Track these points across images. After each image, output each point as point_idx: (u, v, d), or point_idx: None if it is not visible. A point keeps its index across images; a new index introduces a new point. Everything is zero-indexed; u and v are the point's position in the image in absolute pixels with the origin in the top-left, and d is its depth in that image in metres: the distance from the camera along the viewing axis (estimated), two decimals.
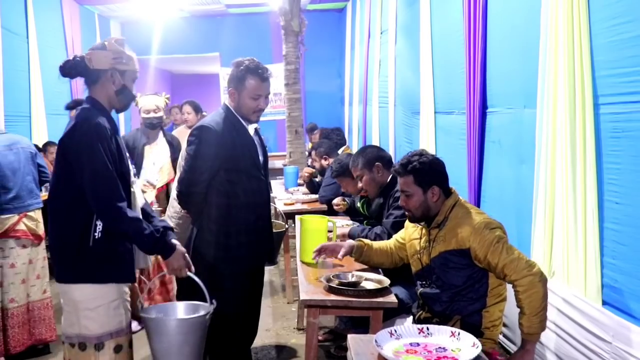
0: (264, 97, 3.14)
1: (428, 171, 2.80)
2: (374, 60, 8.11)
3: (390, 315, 3.07)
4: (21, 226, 4.05)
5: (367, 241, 3.10)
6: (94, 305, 2.48)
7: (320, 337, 4.12)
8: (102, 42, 2.66)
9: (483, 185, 4.14)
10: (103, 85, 2.60)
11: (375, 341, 2.00)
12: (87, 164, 2.43)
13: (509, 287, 3.64)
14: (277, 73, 8.56)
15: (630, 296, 2.50)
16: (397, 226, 3.28)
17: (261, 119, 3.32)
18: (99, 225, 2.48)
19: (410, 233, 3.01)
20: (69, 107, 2.89)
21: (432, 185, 2.77)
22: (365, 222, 4.15)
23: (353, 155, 3.99)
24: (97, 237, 2.46)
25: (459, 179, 4.44)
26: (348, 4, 11.13)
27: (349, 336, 2.17)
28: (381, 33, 7.68)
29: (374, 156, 3.67)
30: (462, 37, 4.29)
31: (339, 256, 2.97)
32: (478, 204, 4.17)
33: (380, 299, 2.60)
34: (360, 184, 3.74)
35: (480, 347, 1.97)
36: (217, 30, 11.42)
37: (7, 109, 6.97)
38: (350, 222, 4.22)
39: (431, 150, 5.31)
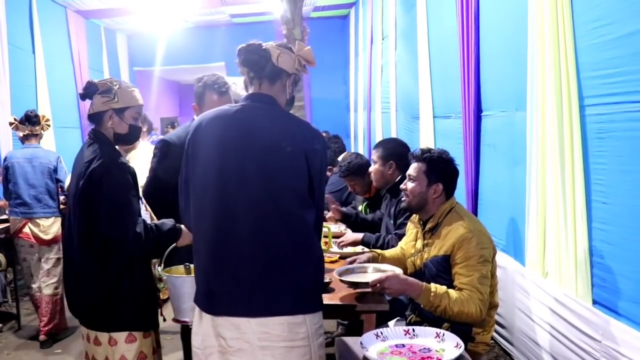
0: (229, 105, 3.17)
1: (441, 167, 2.80)
2: (376, 66, 8.17)
3: (386, 318, 3.10)
4: (26, 229, 4.67)
5: (379, 251, 3.09)
6: None
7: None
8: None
9: (480, 188, 4.17)
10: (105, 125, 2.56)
11: (361, 343, 2.03)
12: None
13: (501, 293, 3.69)
14: None
15: (619, 295, 2.52)
16: None
17: None
18: None
19: (409, 236, 3.03)
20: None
21: (439, 182, 2.78)
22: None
23: (380, 140, 4.02)
24: None
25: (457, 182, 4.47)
26: (351, 10, 11.20)
27: (336, 339, 2.20)
28: (382, 39, 7.74)
29: (393, 153, 3.65)
30: (456, 43, 4.33)
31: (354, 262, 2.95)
32: (475, 207, 4.21)
33: (372, 303, 2.62)
34: (371, 168, 3.77)
35: (462, 348, 1.99)
36: (222, 40, 11.49)
37: None
38: (344, 227, 4.22)
39: None
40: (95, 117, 2.54)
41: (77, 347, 4.55)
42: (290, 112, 2.29)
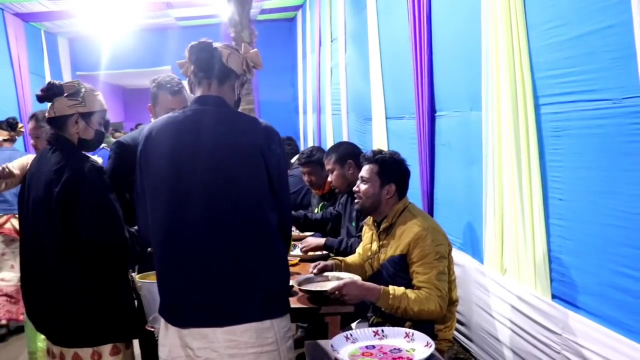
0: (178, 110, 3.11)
1: (393, 168, 2.83)
2: (325, 69, 8.19)
3: (349, 320, 3.10)
4: (8, 225, 4.77)
5: (341, 258, 3.08)
6: None
7: None
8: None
9: (435, 187, 4.22)
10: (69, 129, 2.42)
11: (332, 346, 2.01)
12: None
13: (460, 291, 3.73)
14: None
15: (577, 289, 2.58)
16: None
17: None
18: None
19: (365, 239, 3.04)
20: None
21: (391, 182, 2.80)
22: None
23: (329, 148, 3.98)
24: None
25: (411, 182, 4.48)
26: (298, 13, 11.21)
27: (306, 343, 2.18)
28: (331, 41, 7.76)
29: (348, 153, 3.65)
30: (408, 44, 4.38)
31: (315, 270, 2.94)
32: (431, 207, 4.25)
33: (337, 305, 2.61)
34: (330, 177, 3.73)
35: (433, 346, 2.00)
36: (168, 43, 11.27)
37: None
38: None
39: None
40: (57, 121, 2.38)
41: None
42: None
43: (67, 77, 11.56)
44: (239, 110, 2.26)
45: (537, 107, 2.77)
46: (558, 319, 2.64)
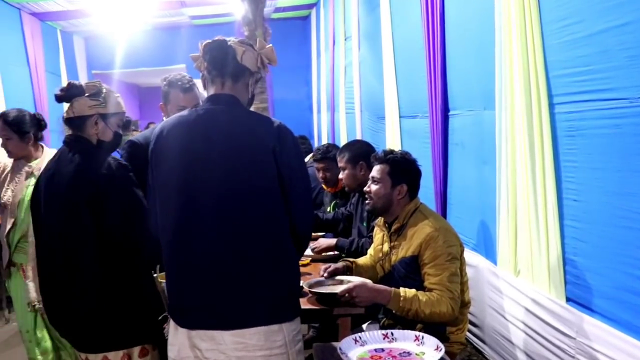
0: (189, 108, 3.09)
1: (405, 168, 2.79)
2: (339, 67, 8.15)
3: (360, 321, 3.07)
4: None
5: (352, 260, 3.05)
6: None
7: None
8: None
9: (448, 187, 4.17)
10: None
11: (340, 349, 1.99)
12: None
13: (473, 292, 3.68)
14: None
15: (591, 292, 2.53)
16: None
17: None
18: None
19: (376, 240, 3.00)
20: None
21: (403, 182, 2.76)
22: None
23: (343, 145, 3.95)
24: None
25: (425, 182, 4.43)
26: (312, 11, 11.17)
27: (314, 345, 2.16)
28: (345, 39, 7.72)
29: (361, 153, 3.59)
30: (422, 42, 4.33)
31: (325, 274, 2.88)
32: (444, 207, 4.21)
33: (348, 307, 2.58)
34: (341, 175, 3.70)
35: (443, 350, 1.97)
36: (183, 42, 11.29)
37: None
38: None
39: None
40: (76, 121, 2.35)
41: None
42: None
43: (82, 76, 11.64)
44: (252, 108, 2.22)
45: (551, 106, 2.72)
46: (572, 323, 2.59)
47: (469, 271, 3.70)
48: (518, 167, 3.00)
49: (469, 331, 3.84)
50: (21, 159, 3.24)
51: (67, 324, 2.34)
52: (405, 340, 2.10)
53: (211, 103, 2.04)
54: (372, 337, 2.12)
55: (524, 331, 3.02)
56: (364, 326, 3.09)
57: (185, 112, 2.07)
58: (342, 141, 7.99)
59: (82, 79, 11.50)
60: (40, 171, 2.98)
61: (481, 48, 3.45)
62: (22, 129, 3.18)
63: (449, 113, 4.07)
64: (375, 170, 2.83)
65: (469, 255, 3.77)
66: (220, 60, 2.03)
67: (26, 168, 3.23)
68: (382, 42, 5.61)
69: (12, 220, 3.18)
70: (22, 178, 3.21)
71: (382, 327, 2.82)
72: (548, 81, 2.73)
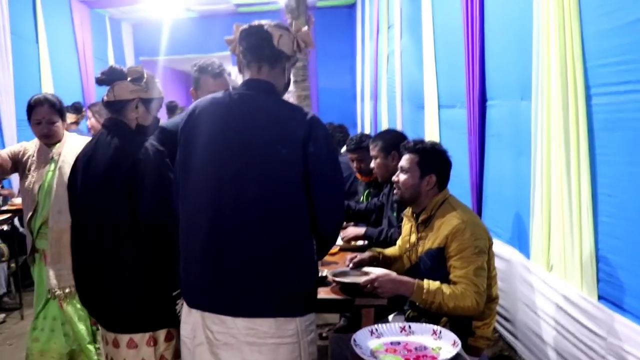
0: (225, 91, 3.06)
1: (434, 158, 2.72)
2: (382, 56, 8.07)
3: (386, 312, 3.04)
4: None
5: (379, 250, 3.01)
6: None
7: (324, 334, 4.10)
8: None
9: (484, 179, 4.08)
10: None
11: (354, 340, 1.96)
12: None
13: (506, 286, 3.61)
14: None
15: (624, 291, 2.44)
16: None
17: None
18: None
19: (404, 231, 2.95)
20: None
21: (432, 173, 2.69)
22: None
23: (376, 134, 3.90)
24: None
25: (461, 173, 4.38)
26: None
27: (330, 336, 2.14)
28: (388, 28, 7.63)
29: (393, 143, 3.51)
30: (461, 31, 4.23)
31: (351, 265, 2.83)
32: (480, 199, 4.12)
33: (370, 297, 2.55)
34: (372, 164, 3.66)
35: (459, 346, 1.92)
36: (228, 29, 11.30)
37: (18, 113, 7.01)
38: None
39: None
40: (116, 105, 2.36)
41: None
42: (293, 99, 2.16)
43: (130, 62, 11.84)
44: (295, 95, 2.19)
45: (588, 97, 2.62)
46: (603, 322, 2.50)
47: (501, 264, 3.64)
48: (553, 160, 2.90)
49: (502, 326, 3.77)
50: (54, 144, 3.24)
51: (96, 303, 2.37)
52: (422, 334, 2.05)
53: (246, 88, 2.01)
54: (389, 329, 2.08)
55: (555, 328, 2.93)
56: (390, 317, 3.05)
57: (219, 94, 2.05)
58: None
59: (130, 65, 11.71)
60: (60, 156, 3.01)
61: (519, 36, 3.35)
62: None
63: (487, 103, 3.98)
64: (404, 160, 2.77)
65: (503, 248, 3.69)
66: (257, 46, 2.00)
67: (49, 153, 3.20)
68: (422, 31, 5.53)
69: (34, 206, 3.15)
70: (43, 162, 3.18)
71: (407, 319, 2.78)
72: (585, 71, 2.62)
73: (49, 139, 3.19)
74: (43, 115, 3.12)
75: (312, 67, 11.98)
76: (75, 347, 3.21)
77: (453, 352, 1.88)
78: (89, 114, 5.19)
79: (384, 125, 7.92)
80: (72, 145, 3.17)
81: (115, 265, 2.26)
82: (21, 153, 3.21)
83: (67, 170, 2.97)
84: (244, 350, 1.89)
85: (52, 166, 3.12)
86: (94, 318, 2.55)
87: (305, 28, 2.07)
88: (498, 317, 3.81)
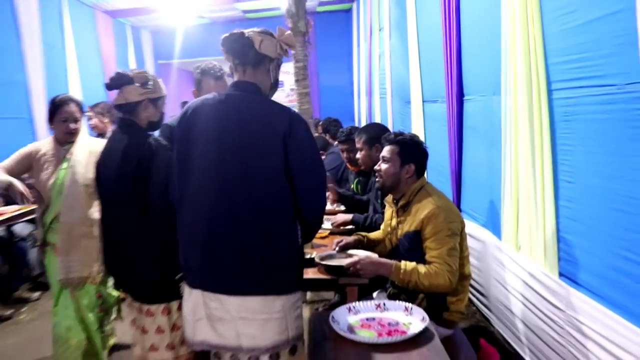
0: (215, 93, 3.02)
1: (413, 149, 2.68)
2: (375, 56, 7.99)
3: (370, 290, 3.01)
4: None
5: (364, 234, 2.99)
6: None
7: (320, 309, 4.09)
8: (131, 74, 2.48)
9: (463, 167, 4.03)
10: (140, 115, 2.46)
11: (332, 317, 1.94)
12: None
13: (480, 265, 3.58)
14: (290, 70, 8.48)
15: (581, 269, 2.40)
16: None
17: None
18: None
19: (386, 216, 2.92)
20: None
21: (411, 162, 2.66)
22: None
23: (361, 128, 3.85)
24: None
25: (443, 162, 4.34)
26: (354, 4, 10.96)
27: (314, 313, 2.11)
28: (380, 30, 7.55)
29: (376, 136, 3.45)
30: (440, 32, 4.17)
31: (337, 248, 2.81)
32: (459, 186, 4.08)
33: (352, 277, 2.52)
34: (358, 155, 3.62)
35: (427, 321, 1.89)
36: None
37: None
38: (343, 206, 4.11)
39: (420, 137, 5.21)
40: (127, 107, 2.41)
41: None
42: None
43: (149, 66, 11.79)
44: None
45: (549, 92, 2.56)
46: (563, 297, 2.47)
47: (477, 245, 3.61)
48: (520, 150, 2.85)
49: (479, 300, 3.73)
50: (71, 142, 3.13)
51: (120, 277, 2.45)
52: (395, 310, 2.03)
53: (233, 89, 2.02)
54: (366, 306, 2.06)
55: (522, 302, 2.90)
56: (374, 294, 3.02)
57: (209, 96, 2.05)
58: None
59: (149, 68, 11.69)
60: (72, 155, 2.97)
61: (490, 37, 3.28)
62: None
63: (464, 98, 3.92)
64: (386, 151, 2.74)
65: (478, 230, 3.65)
66: (239, 50, 2.01)
67: (62, 152, 3.07)
68: (408, 33, 5.45)
69: (47, 202, 3.03)
70: (56, 161, 3.05)
71: (389, 296, 2.75)
72: (547, 68, 2.57)
73: (73, 137, 3.08)
74: (70, 113, 3.03)
75: (313, 67, 11.92)
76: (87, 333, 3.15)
77: (421, 326, 1.85)
78: (91, 114, 5.05)
79: (377, 119, 7.86)
80: (83, 144, 3.10)
81: (132, 246, 2.30)
82: (33, 152, 3.07)
83: (78, 169, 2.97)
84: (237, 325, 1.92)
85: (65, 164, 3.03)
86: (120, 288, 2.55)
87: (289, 32, 2.07)
88: (474, 292, 3.78)
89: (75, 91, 7.94)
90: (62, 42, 7.89)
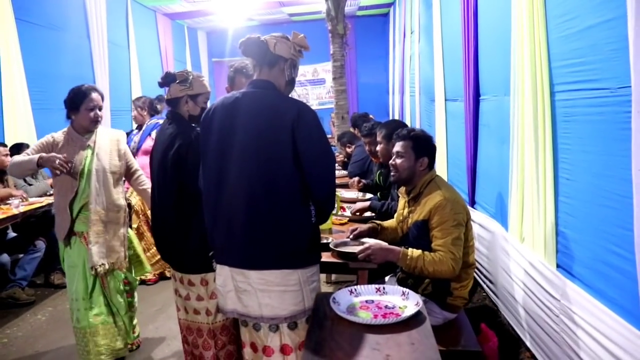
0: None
1: (425, 143, 2.65)
2: (407, 57, 7.89)
3: (382, 274, 3.00)
4: None
5: (379, 222, 2.97)
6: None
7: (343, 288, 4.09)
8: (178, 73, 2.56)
9: (477, 162, 3.96)
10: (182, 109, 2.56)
11: (334, 298, 1.94)
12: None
13: (489, 253, 3.51)
14: (330, 69, 8.43)
15: (575, 261, 2.33)
16: None
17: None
18: None
19: (400, 205, 2.90)
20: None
21: (424, 156, 2.63)
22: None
23: (381, 123, 3.83)
24: None
25: (459, 157, 4.28)
26: (391, 9, 10.81)
27: (318, 293, 2.12)
28: (411, 33, 7.44)
29: (394, 131, 3.51)
30: (460, 36, 4.09)
31: (351, 236, 2.80)
32: (474, 179, 4.01)
33: (363, 262, 2.52)
34: (377, 148, 3.59)
35: (421, 305, 1.87)
36: None
37: (112, 105, 7.24)
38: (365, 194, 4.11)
39: (443, 133, 5.13)
40: (172, 102, 2.55)
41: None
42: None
43: (204, 63, 11.95)
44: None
45: (552, 94, 2.49)
46: (559, 287, 2.41)
47: (487, 235, 3.55)
48: (525, 147, 2.78)
49: (487, 286, 3.68)
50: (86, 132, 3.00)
51: (166, 250, 2.57)
52: (393, 294, 2.02)
53: (251, 87, 2.06)
54: (366, 290, 2.06)
55: (523, 290, 2.84)
56: (386, 278, 3.02)
57: (230, 94, 2.10)
58: (407, 120, 7.78)
59: (204, 66, 11.85)
60: (95, 143, 2.95)
61: (502, 40, 3.19)
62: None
63: (480, 98, 3.84)
64: (399, 146, 2.70)
65: (488, 221, 3.59)
66: (255, 52, 2.05)
67: (84, 140, 2.95)
68: (433, 36, 5.36)
69: (75, 189, 2.88)
70: (78, 149, 2.91)
71: (398, 280, 2.74)
72: (550, 71, 2.49)
73: (97, 124, 2.97)
74: (96, 102, 2.91)
75: (353, 66, 11.86)
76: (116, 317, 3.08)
77: (414, 310, 1.84)
78: (132, 106, 5.13)
79: (407, 115, 7.77)
80: (102, 133, 3.02)
81: (174, 222, 2.45)
82: (52, 143, 2.93)
83: (103, 155, 2.95)
84: (259, 296, 2.00)
85: (89, 152, 2.94)
86: (165, 262, 2.62)
87: (302, 35, 2.10)
88: (485, 279, 3.72)
89: (136, 87, 8.14)
90: (126, 41, 8.08)
